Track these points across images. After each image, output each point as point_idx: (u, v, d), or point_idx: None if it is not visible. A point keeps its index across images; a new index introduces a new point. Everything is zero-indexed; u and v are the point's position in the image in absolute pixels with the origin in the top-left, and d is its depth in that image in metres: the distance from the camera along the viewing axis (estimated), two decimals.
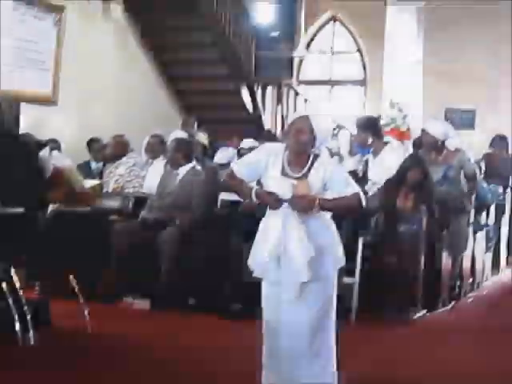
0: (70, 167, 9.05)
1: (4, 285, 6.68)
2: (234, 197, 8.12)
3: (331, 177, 5.15)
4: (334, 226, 5.31)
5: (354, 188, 5.19)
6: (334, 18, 16.86)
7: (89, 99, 13.32)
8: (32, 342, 6.65)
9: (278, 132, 15.97)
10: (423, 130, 10.18)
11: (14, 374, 5.93)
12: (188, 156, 9.30)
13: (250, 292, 6.87)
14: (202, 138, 12.36)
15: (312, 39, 17.06)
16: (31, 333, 6.67)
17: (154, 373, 6.27)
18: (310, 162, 5.18)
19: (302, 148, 5.16)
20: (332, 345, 5.28)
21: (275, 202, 5.11)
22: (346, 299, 8.25)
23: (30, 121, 12.02)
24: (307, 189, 5.06)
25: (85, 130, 12.50)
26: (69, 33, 12.91)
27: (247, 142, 11.48)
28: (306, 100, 16.48)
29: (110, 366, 6.49)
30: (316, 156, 5.22)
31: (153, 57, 15.47)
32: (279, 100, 16.50)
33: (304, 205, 5.01)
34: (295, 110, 16.42)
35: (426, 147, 10.10)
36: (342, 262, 5.34)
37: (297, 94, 16.51)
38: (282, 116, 16.47)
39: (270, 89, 16.49)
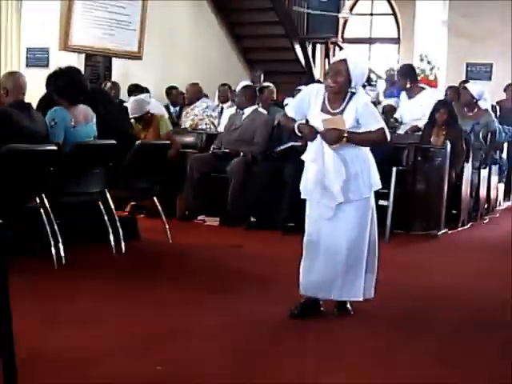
0: (161, 115, 9.23)
1: (101, 204, 6.83)
2: None
3: (362, 113, 4.91)
4: (368, 155, 5.10)
5: (380, 123, 4.97)
6: None
7: (168, 54, 13.35)
8: (123, 251, 6.82)
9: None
10: (464, 88, 10.43)
11: (108, 274, 6.20)
12: (252, 99, 9.34)
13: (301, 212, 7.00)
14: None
15: (354, 3, 16.91)
16: (123, 244, 6.84)
17: (219, 274, 6.44)
18: (346, 100, 4.94)
19: (337, 88, 4.90)
20: (363, 259, 5.06)
21: (310, 133, 4.97)
22: (381, 219, 8.32)
23: (119, 72, 12.16)
24: (339, 123, 4.88)
25: (164, 80, 12.54)
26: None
27: None
28: None
29: (184, 268, 6.69)
30: (352, 94, 4.96)
31: (222, 19, 15.44)
32: (327, 55, 16.42)
33: (332, 137, 4.83)
34: None
35: (463, 102, 10.33)
36: (377, 185, 5.15)
37: (341, 49, 16.40)
38: None
39: (319, 46, 16.44)
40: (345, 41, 16.98)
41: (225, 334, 4.71)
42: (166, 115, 9.97)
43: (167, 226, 7.39)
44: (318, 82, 15.29)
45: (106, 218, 6.79)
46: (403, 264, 7.22)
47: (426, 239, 8.44)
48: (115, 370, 4.02)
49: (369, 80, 13.33)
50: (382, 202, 8.31)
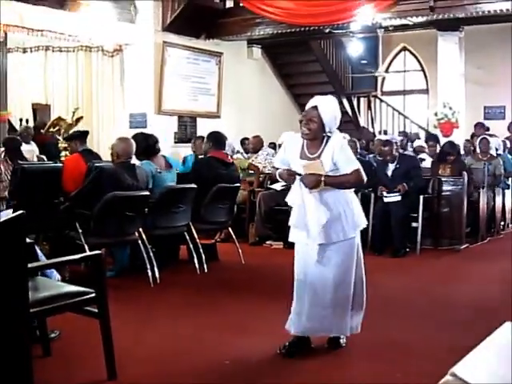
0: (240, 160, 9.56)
1: (186, 235, 7.03)
2: None
3: (337, 157, 4.27)
4: (352, 196, 4.45)
5: (354, 165, 4.29)
6: (404, 48, 16.69)
7: (240, 112, 13.58)
8: (206, 271, 6.97)
9: (370, 128, 16.09)
10: (484, 138, 10.41)
11: (193, 289, 6.35)
12: None
13: None
14: None
15: (390, 63, 16.92)
16: (205, 265, 6.99)
17: (282, 287, 6.46)
18: (323, 145, 4.32)
19: (312, 135, 4.28)
20: (350, 297, 4.41)
21: (289, 176, 4.36)
22: (413, 237, 8.37)
23: (203, 128, 12.44)
24: (317, 168, 4.28)
25: (239, 133, 12.78)
26: (226, 69, 13.17)
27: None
28: (387, 105, 16.37)
29: (254, 283, 6.77)
30: (328, 138, 4.33)
31: (282, 82, 15.66)
32: (369, 106, 16.51)
33: (310, 182, 4.21)
34: (380, 112, 16.45)
35: (482, 149, 10.41)
36: (362, 224, 4.47)
37: (381, 101, 16.47)
38: (371, 117, 16.51)
39: (362, 99, 16.51)
40: (383, 94, 16.99)
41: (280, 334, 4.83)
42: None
43: (240, 250, 7.51)
44: (363, 127, 15.52)
45: (191, 245, 6.99)
46: (431, 273, 7.29)
47: (450, 253, 8.40)
48: (192, 364, 4.19)
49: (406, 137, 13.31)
50: (414, 225, 8.38)
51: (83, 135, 7.38)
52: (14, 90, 10.56)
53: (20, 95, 11.09)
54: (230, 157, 8.02)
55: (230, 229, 7.73)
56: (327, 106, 4.31)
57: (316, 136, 4.30)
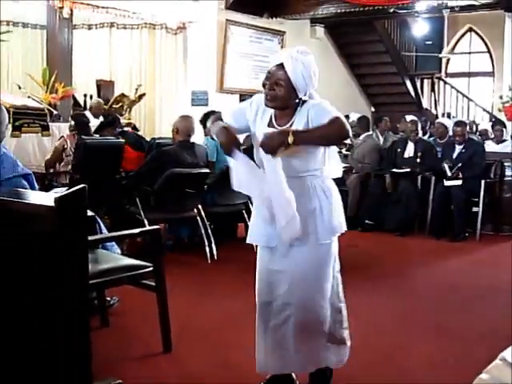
0: None
1: (244, 213, 7.07)
2: None
3: (313, 114, 3.08)
4: (333, 188, 3.22)
5: (333, 113, 3.03)
6: (470, 29, 16.37)
7: None
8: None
9: (433, 110, 15.85)
10: None
11: (249, 268, 6.38)
12: (366, 127, 9.49)
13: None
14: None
15: (455, 44, 16.62)
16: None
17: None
18: (296, 111, 3.14)
19: (280, 103, 3.11)
20: (323, 323, 3.22)
21: (227, 141, 3.08)
22: (473, 222, 8.24)
23: None
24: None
25: None
26: (288, 47, 13.08)
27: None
28: (451, 87, 16.11)
29: None
30: (303, 102, 3.15)
31: (345, 61, 15.52)
32: (432, 88, 16.26)
33: (273, 143, 2.94)
34: (444, 95, 16.19)
35: None
36: (341, 228, 3.23)
37: (445, 83, 16.20)
38: (435, 99, 16.27)
39: (426, 80, 16.26)
40: (447, 75, 16.71)
41: None
42: None
43: None
44: (426, 109, 15.27)
45: (249, 223, 7.01)
46: (490, 259, 7.19)
47: (511, 239, 8.17)
48: (245, 339, 4.24)
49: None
50: (474, 209, 8.25)
51: (111, 123, 7.52)
52: (79, 66, 10.71)
53: (85, 71, 11.23)
54: None
55: None
56: (297, 63, 3.09)
57: (285, 104, 3.13)
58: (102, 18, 11.35)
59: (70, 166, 7.05)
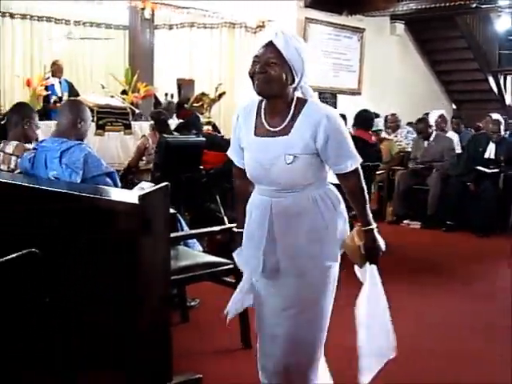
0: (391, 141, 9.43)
1: None
2: None
3: (328, 141, 2.53)
4: (338, 196, 2.70)
5: (353, 160, 2.61)
6: None
7: (381, 90, 13.37)
8: None
9: None
10: None
11: None
12: (443, 126, 9.37)
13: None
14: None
15: None
16: None
17: (419, 267, 6.46)
18: (291, 111, 2.56)
19: (274, 88, 2.53)
20: (315, 360, 2.74)
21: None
22: None
23: (344, 105, 12.39)
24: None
25: (379, 110, 12.58)
26: (368, 45, 13.05)
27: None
28: None
29: (390, 261, 6.69)
30: (303, 104, 2.58)
31: (426, 58, 15.27)
32: None
33: (377, 253, 2.67)
34: None
35: None
36: (335, 257, 2.69)
37: None
38: None
39: (509, 77, 15.84)
40: None
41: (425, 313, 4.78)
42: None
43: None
44: (509, 106, 14.86)
45: None
46: None
47: None
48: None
49: None
50: None
51: (161, 123, 7.59)
52: (160, 66, 10.89)
53: (166, 71, 11.41)
54: (373, 137, 7.98)
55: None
56: (288, 38, 2.56)
57: (281, 89, 2.56)
58: (182, 18, 11.51)
59: (151, 164, 7.17)
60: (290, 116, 2.57)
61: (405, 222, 8.81)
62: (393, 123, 10.46)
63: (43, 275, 2.88)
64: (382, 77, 13.33)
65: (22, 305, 2.84)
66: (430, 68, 15.41)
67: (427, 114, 10.26)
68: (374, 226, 2.64)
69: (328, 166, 2.63)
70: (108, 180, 3.82)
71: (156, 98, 10.38)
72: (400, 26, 14.11)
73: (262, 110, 2.66)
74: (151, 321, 2.47)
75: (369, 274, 2.68)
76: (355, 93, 13.03)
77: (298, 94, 2.63)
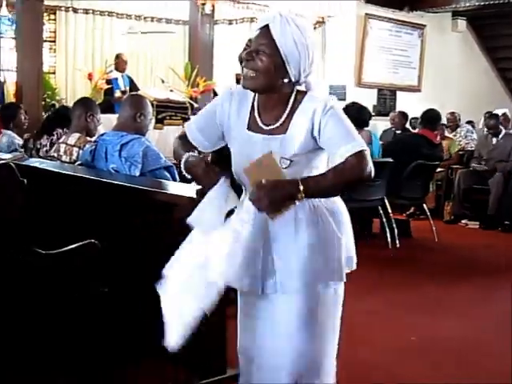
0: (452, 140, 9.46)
1: (380, 209, 6.99)
2: None
3: (326, 126, 2.15)
4: (341, 207, 2.34)
5: (357, 143, 2.13)
6: None
7: (441, 87, 13.19)
8: (398, 246, 6.89)
9: None
10: None
11: (384, 265, 6.33)
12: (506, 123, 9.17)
13: None
14: None
15: None
16: (397, 240, 6.91)
17: (474, 268, 6.40)
18: (289, 106, 2.21)
19: (261, 80, 2.18)
20: None
21: (207, 177, 2.22)
22: None
23: (402, 102, 12.27)
24: (272, 169, 2.07)
25: (439, 108, 12.41)
26: (428, 42, 12.89)
27: None
28: None
29: (444, 261, 6.66)
30: (304, 94, 2.23)
31: (488, 55, 14.99)
32: None
33: (275, 200, 2.04)
34: None
35: None
36: (351, 264, 2.39)
37: None
38: None
39: None
40: None
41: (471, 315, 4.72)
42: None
43: (434, 228, 7.38)
44: None
45: (384, 219, 6.96)
46: None
47: None
48: (378, 337, 4.19)
49: None
50: None
51: None
52: (220, 61, 10.94)
53: (225, 66, 11.46)
54: (438, 137, 7.91)
55: (424, 205, 7.60)
56: (288, 24, 2.15)
57: (268, 83, 2.20)
58: (242, 13, 11.54)
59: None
60: (286, 113, 2.23)
61: (463, 221, 8.68)
62: (452, 122, 10.30)
63: (102, 266, 2.94)
64: (442, 74, 13.16)
65: (81, 294, 2.89)
66: (492, 65, 15.11)
67: (489, 112, 10.10)
68: (301, 188, 2.04)
69: (330, 155, 2.21)
70: (166, 174, 3.87)
71: (215, 92, 10.42)
72: (462, 23, 13.87)
73: (255, 103, 2.30)
74: (206, 314, 2.48)
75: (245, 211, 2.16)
76: (415, 90, 12.88)
77: (300, 87, 2.26)
